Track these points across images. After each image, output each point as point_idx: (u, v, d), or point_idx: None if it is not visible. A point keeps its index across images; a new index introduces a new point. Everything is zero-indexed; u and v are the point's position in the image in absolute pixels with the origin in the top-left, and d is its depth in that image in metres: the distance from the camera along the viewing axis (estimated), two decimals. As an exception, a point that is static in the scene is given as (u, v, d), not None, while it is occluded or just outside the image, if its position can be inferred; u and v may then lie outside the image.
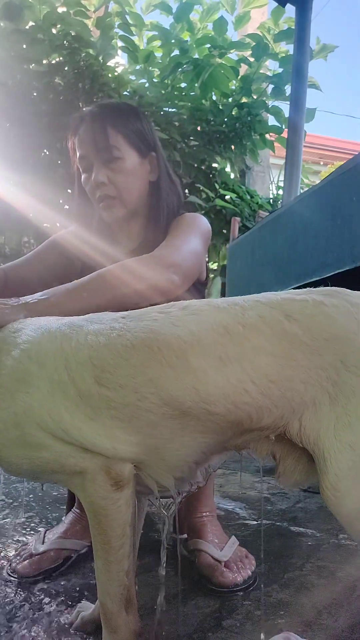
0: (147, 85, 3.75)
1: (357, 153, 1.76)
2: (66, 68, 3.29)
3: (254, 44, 3.85)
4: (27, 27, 3.25)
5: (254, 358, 0.69)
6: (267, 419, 0.70)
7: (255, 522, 1.52)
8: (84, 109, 1.25)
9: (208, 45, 3.86)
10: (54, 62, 3.33)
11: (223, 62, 3.81)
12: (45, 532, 1.23)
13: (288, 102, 3.48)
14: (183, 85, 3.88)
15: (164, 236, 1.20)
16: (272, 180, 5.82)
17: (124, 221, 1.24)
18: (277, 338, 0.69)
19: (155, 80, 3.80)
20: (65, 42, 3.25)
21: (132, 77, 3.81)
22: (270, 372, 0.68)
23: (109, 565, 0.73)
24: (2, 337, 0.79)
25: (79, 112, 1.25)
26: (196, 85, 3.72)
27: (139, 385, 0.69)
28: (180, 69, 3.70)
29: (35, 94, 3.25)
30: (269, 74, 4.00)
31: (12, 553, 1.24)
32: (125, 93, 3.49)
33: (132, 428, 0.70)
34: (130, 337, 0.72)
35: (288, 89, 3.77)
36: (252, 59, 3.90)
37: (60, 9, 3.39)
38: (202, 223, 1.23)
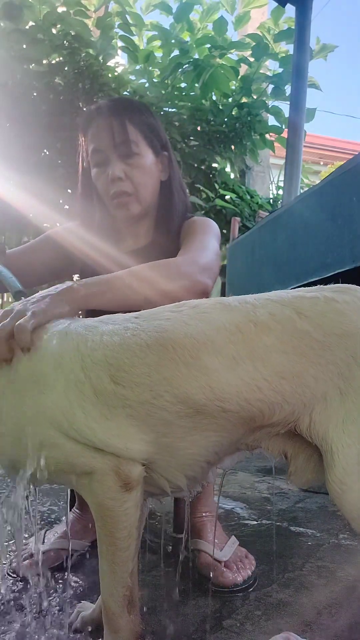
0: (147, 85, 3.75)
1: (357, 153, 1.76)
2: (66, 68, 3.29)
3: (254, 44, 3.85)
4: (27, 27, 3.25)
5: (266, 356, 0.70)
6: (279, 414, 0.70)
7: (255, 522, 1.52)
8: (97, 102, 1.25)
9: (208, 46, 3.86)
10: (54, 62, 3.33)
11: (223, 62, 3.81)
12: (45, 532, 1.23)
13: (288, 102, 3.48)
14: (183, 85, 3.88)
15: (174, 238, 1.20)
16: (272, 180, 5.82)
17: (133, 220, 1.22)
18: (288, 335, 0.70)
19: (155, 80, 3.80)
20: (65, 42, 3.25)
21: (132, 77, 3.81)
22: (281, 369, 0.69)
23: (114, 567, 0.73)
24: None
25: (91, 105, 1.25)
26: (196, 85, 3.72)
27: (154, 384, 0.70)
28: (180, 69, 3.70)
29: (35, 94, 3.25)
30: (269, 74, 4.00)
31: (12, 553, 1.24)
32: (125, 93, 3.49)
33: (146, 426, 0.71)
34: (144, 336, 0.73)
35: (288, 89, 3.77)
36: (252, 59, 3.90)
37: (60, 9, 3.39)
38: (215, 226, 1.24)
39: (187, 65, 3.67)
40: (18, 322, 0.77)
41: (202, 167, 3.94)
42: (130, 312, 0.81)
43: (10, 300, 3.84)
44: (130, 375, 0.71)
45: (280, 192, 4.78)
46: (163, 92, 3.70)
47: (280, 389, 0.69)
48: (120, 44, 3.67)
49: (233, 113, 3.86)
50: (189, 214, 1.28)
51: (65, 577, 1.13)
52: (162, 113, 3.65)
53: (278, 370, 0.69)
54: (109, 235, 1.23)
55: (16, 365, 0.76)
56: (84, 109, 1.25)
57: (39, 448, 0.72)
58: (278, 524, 1.50)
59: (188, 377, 0.70)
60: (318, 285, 0.79)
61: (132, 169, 1.17)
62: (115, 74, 3.53)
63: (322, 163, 10.34)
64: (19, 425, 0.73)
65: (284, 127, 3.85)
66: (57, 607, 1.00)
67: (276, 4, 3.70)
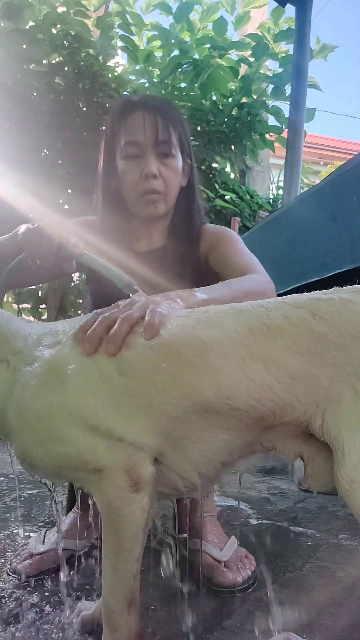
0: (147, 85, 3.75)
1: (357, 153, 1.76)
2: (66, 68, 3.28)
3: (254, 44, 3.85)
4: (27, 27, 3.25)
5: (279, 357, 0.71)
6: (291, 414, 0.71)
7: (255, 522, 1.52)
8: (132, 96, 1.24)
9: (208, 46, 3.86)
10: (54, 62, 3.33)
11: (223, 62, 3.81)
12: (45, 532, 1.24)
13: (288, 102, 3.48)
14: (183, 85, 3.88)
15: (191, 243, 1.20)
16: (272, 180, 5.83)
17: (154, 219, 1.22)
18: (302, 337, 0.71)
19: (155, 80, 3.80)
20: (65, 42, 3.25)
21: (132, 77, 3.81)
22: (295, 370, 0.70)
23: (117, 566, 0.74)
24: (44, 331, 0.83)
25: (125, 97, 1.25)
26: (196, 85, 3.71)
27: (158, 379, 0.72)
28: (180, 69, 3.70)
29: (35, 94, 3.24)
30: (269, 74, 4.00)
31: (12, 553, 1.24)
32: (125, 93, 3.49)
33: (156, 419, 0.72)
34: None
35: (288, 89, 3.77)
36: (252, 59, 3.89)
37: (60, 9, 3.39)
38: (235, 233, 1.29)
39: (186, 65, 3.67)
40: (148, 319, 0.77)
41: (202, 167, 3.94)
42: None
43: (10, 299, 3.83)
44: (134, 369, 0.73)
45: (280, 192, 4.78)
46: (163, 92, 3.70)
47: (292, 389, 0.70)
48: (120, 44, 3.67)
49: (233, 113, 3.86)
50: (204, 220, 1.30)
51: (65, 577, 1.13)
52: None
53: (291, 372, 0.70)
54: (123, 233, 1.22)
55: (39, 358, 0.78)
56: (122, 98, 1.23)
57: (54, 442, 0.73)
58: (278, 524, 1.50)
59: (193, 375, 0.71)
60: (334, 287, 0.79)
61: (167, 169, 1.18)
62: (115, 74, 3.53)
63: (322, 163, 10.34)
64: (38, 419, 0.74)
65: (284, 127, 3.85)
66: (57, 608, 1.00)
67: (276, 4, 3.70)
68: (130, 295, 0.92)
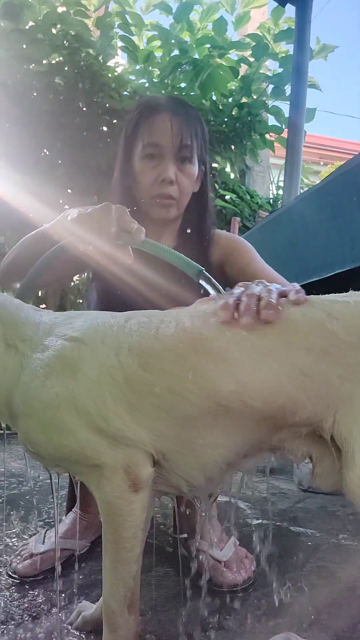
0: (147, 85, 3.75)
1: (357, 153, 1.76)
2: (66, 68, 3.28)
3: (254, 44, 3.84)
4: (27, 27, 3.25)
5: (291, 353, 0.71)
6: (301, 413, 0.71)
7: (255, 522, 1.52)
8: (159, 96, 1.24)
9: (208, 46, 3.85)
10: (54, 62, 3.33)
11: (223, 62, 3.81)
12: (45, 532, 1.24)
13: (288, 102, 3.48)
14: (183, 85, 3.88)
15: (202, 248, 1.20)
16: (272, 180, 5.83)
17: (163, 223, 1.22)
18: (315, 335, 0.71)
19: (155, 80, 3.79)
20: (65, 42, 3.25)
21: (132, 77, 3.80)
22: (305, 367, 0.70)
23: (117, 566, 0.74)
24: (56, 321, 0.83)
25: (151, 97, 1.25)
26: (196, 85, 3.71)
27: (181, 374, 0.72)
28: (180, 69, 3.69)
29: (35, 94, 3.24)
30: (269, 74, 3.99)
31: (12, 553, 1.24)
32: (125, 93, 3.48)
33: (171, 419, 0.72)
34: (177, 328, 0.75)
35: (288, 89, 3.76)
36: (252, 59, 3.89)
37: (60, 9, 3.38)
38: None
39: (186, 65, 3.67)
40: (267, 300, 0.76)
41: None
42: None
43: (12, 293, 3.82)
44: (159, 363, 0.73)
45: (280, 192, 4.78)
46: (163, 92, 3.69)
47: (304, 386, 0.70)
48: (120, 44, 3.66)
49: (233, 113, 3.86)
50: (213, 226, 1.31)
51: (65, 577, 1.13)
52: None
53: (303, 369, 0.70)
54: None
55: (50, 348, 0.77)
56: (147, 97, 1.22)
57: (57, 433, 0.73)
58: (278, 524, 1.50)
59: (214, 369, 0.71)
60: (350, 291, 0.80)
61: (184, 176, 1.18)
62: (115, 74, 3.53)
63: (322, 163, 10.33)
64: (44, 408, 0.74)
65: (284, 127, 3.84)
66: (57, 608, 1.00)
67: (276, 4, 3.70)
68: (201, 282, 0.91)
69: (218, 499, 1.41)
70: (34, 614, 0.97)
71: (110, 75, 3.45)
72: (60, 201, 3.14)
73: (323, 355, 0.70)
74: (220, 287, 0.94)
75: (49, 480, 1.91)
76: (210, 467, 0.75)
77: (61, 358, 0.76)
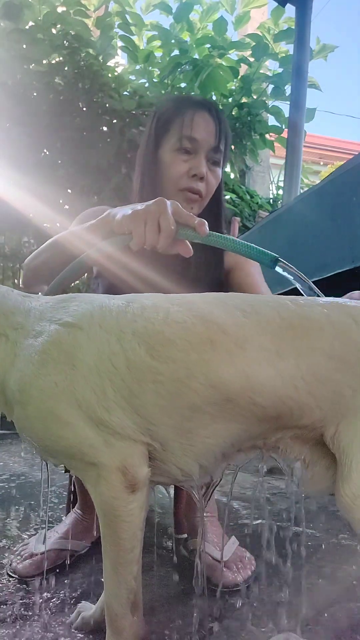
0: (147, 85, 3.75)
1: (357, 153, 1.76)
2: (66, 68, 3.28)
3: (254, 44, 3.84)
4: (27, 27, 3.25)
5: (311, 356, 0.68)
6: (308, 418, 0.69)
7: (255, 522, 1.52)
8: (197, 96, 1.24)
9: (208, 45, 3.86)
10: (54, 62, 3.33)
11: (223, 62, 3.81)
12: (45, 532, 1.23)
13: (288, 102, 3.48)
14: (183, 85, 3.88)
15: (212, 251, 1.18)
16: (272, 180, 5.82)
17: None
18: (338, 341, 0.69)
19: (155, 80, 3.79)
20: (65, 42, 3.25)
21: (132, 77, 3.80)
22: (322, 373, 0.68)
23: (118, 568, 0.73)
24: (47, 306, 0.79)
25: (188, 95, 1.26)
26: (196, 85, 3.71)
27: (191, 363, 0.69)
28: (180, 69, 3.69)
29: (35, 94, 3.24)
30: (269, 74, 3.99)
31: (12, 553, 1.24)
32: (125, 93, 3.48)
33: (173, 408, 0.69)
34: (191, 315, 0.72)
35: (288, 89, 3.76)
36: (252, 59, 3.89)
37: (60, 9, 3.38)
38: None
39: (186, 65, 3.67)
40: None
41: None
42: None
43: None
44: (168, 350, 0.70)
45: (280, 192, 4.78)
46: (163, 92, 3.69)
47: (316, 392, 0.68)
48: (120, 44, 3.66)
49: (233, 113, 3.86)
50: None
51: (65, 577, 1.13)
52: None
53: (319, 375, 0.68)
54: None
55: (44, 333, 0.74)
56: (186, 96, 1.23)
57: (55, 423, 0.71)
58: (278, 524, 1.50)
59: (227, 363, 0.69)
60: None
61: (212, 176, 1.20)
62: (115, 74, 3.53)
63: (322, 163, 10.33)
64: (41, 396, 0.71)
65: (284, 127, 3.84)
66: (57, 608, 1.00)
67: (276, 4, 3.70)
68: (278, 269, 0.88)
69: (217, 499, 1.41)
70: (34, 614, 0.97)
71: (110, 75, 3.45)
72: (60, 201, 3.14)
73: (342, 364, 0.68)
74: (301, 274, 0.89)
75: (49, 480, 1.91)
76: (206, 457, 0.73)
77: (56, 344, 0.73)
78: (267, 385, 0.68)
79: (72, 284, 4.00)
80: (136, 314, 0.73)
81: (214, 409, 0.70)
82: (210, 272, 1.21)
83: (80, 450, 0.71)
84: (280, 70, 3.95)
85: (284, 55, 4.01)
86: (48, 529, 1.27)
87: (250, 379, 0.68)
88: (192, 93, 3.82)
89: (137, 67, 3.77)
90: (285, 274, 0.89)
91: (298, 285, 0.89)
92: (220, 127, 1.18)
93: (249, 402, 0.69)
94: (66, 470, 1.32)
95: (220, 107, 3.82)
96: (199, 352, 0.69)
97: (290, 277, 0.89)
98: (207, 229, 0.90)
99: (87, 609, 0.93)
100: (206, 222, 0.90)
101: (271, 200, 4.85)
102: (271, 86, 3.96)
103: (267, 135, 3.99)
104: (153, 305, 0.75)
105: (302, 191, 2.99)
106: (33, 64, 3.23)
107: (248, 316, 0.72)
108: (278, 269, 0.88)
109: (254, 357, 0.69)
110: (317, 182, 2.09)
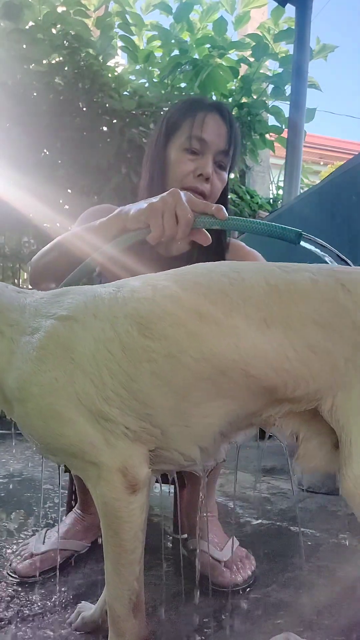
0: (147, 85, 3.75)
1: (357, 153, 1.76)
2: (66, 68, 3.28)
3: (254, 44, 3.84)
4: (27, 27, 3.25)
5: (299, 324, 0.66)
6: (302, 390, 0.67)
7: (255, 522, 1.52)
8: (208, 98, 1.24)
9: (208, 45, 3.86)
10: (54, 62, 3.33)
11: (223, 62, 3.81)
12: (45, 532, 1.23)
13: (288, 102, 3.48)
14: (183, 85, 3.88)
15: (215, 253, 1.20)
16: (272, 180, 5.82)
17: None
18: (326, 308, 0.66)
19: (155, 80, 3.79)
20: (65, 42, 3.25)
21: (132, 77, 3.80)
22: (313, 342, 0.66)
23: (120, 569, 0.73)
24: (42, 301, 0.79)
25: (203, 96, 1.26)
26: (195, 85, 3.71)
27: (182, 337, 0.68)
28: (180, 69, 3.69)
29: (35, 94, 3.24)
30: (269, 74, 3.99)
31: (12, 553, 1.24)
32: (125, 93, 3.48)
33: (169, 388, 0.68)
34: (177, 289, 0.71)
35: (288, 89, 3.76)
36: (252, 59, 3.89)
37: (60, 9, 3.38)
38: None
39: (186, 65, 3.67)
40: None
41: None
42: None
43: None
44: (159, 327, 0.69)
45: (280, 192, 4.78)
46: (163, 92, 3.69)
47: (308, 362, 0.66)
48: (120, 44, 3.66)
49: (233, 113, 3.86)
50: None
51: (65, 577, 1.13)
52: (162, 113, 3.64)
53: (310, 343, 0.65)
54: None
55: (41, 329, 0.74)
56: (198, 97, 1.23)
57: (55, 420, 0.70)
58: (278, 524, 1.50)
59: (217, 334, 0.67)
60: None
61: (217, 178, 1.20)
62: (115, 74, 3.52)
63: (322, 163, 10.33)
64: (41, 392, 0.71)
65: (284, 127, 3.84)
66: (57, 608, 1.00)
67: (276, 4, 3.70)
68: (303, 243, 0.87)
69: (217, 499, 1.41)
70: (34, 614, 0.97)
71: (110, 75, 3.45)
72: (60, 201, 3.14)
73: (331, 332, 0.65)
74: (327, 244, 0.88)
75: (48, 480, 1.91)
76: (205, 438, 0.72)
77: (53, 339, 0.72)
78: (258, 355, 0.66)
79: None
80: (126, 297, 0.73)
81: (208, 385, 0.68)
82: None
83: (80, 449, 0.71)
84: (280, 70, 3.95)
85: (284, 55, 4.01)
86: (49, 529, 1.27)
87: (241, 349, 0.66)
88: (192, 93, 3.83)
89: (137, 67, 3.77)
90: (311, 247, 0.88)
91: (326, 258, 0.88)
92: (231, 132, 1.19)
93: (242, 374, 0.67)
94: (66, 470, 1.32)
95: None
96: (188, 325, 0.68)
97: (317, 250, 0.88)
98: (226, 213, 0.90)
99: (87, 609, 0.93)
100: (223, 207, 0.90)
101: (271, 200, 4.84)
102: (271, 86, 3.96)
103: (267, 135, 3.99)
104: (142, 284, 0.74)
105: (302, 191, 2.99)
106: (33, 64, 3.23)
107: (234, 283, 0.70)
108: (303, 243, 0.87)
109: (242, 326, 0.67)
110: (317, 182, 2.09)
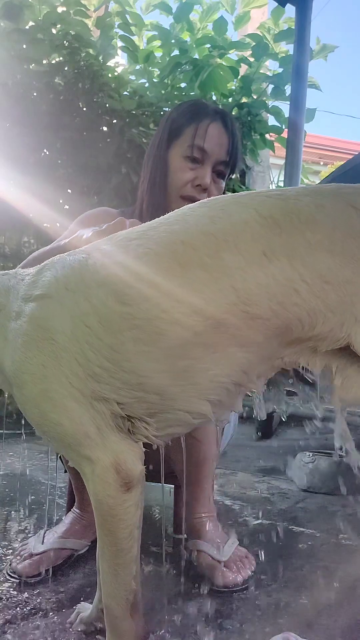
0: (147, 85, 3.75)
1: (357, 153, 1.76)
2: (66, 68, 3.28)
3: (254, 44, 3.84)
4: (27, 27, 3.25)
5: (307, 254, 0.60)
6: (322, 325, 0.61)
7: (255, 522, 1.51)
8: (216, 106, 1.24)
9: (208, 45, 3.86)
10: (54, 62, 3.33)
11: (223, 62, 3.81)
12: (45, 532, 1.23)
13: (288, 102, 3.48)
14: (183, 85, 3.88)
15: None
16: (272, 180, 5.82)
17: None
18: (339, 232, 0.61)
19: (155, 80, 3.79)
20: (65, 42, 3.25)
21: (132, 77, 3.80)
22: (326, 272, 0.60)
23: (116, 569, 0.71)
24: (27, 283, 0.76)
25: (208, 103, 1.26)
26: (196, 85, 3.71)
27: (165, 294, 0.62)
28: (180, 69, 3.69)
29: (35, 94, 3.24)
30: (269, 74, 3.99)
31: (12, 553, 1.24)
32: (125, 93, 3.48)
33: (160, 351, 0.63)
34: (152, 245, 0.66)
35: (288, 89, 3.76)
36: (252, 59, 3.89)
37: (60, 9, 3.38)
38: None
39: (186, 65, 3.67)
40: None
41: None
42: None
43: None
44: (137, 290, 0.63)
45: (280, 192, 4.77)
46: (163, 92, 3.69)
47: (322, 294, 0.60)
48: (120, 44, 3.66)
49: (233, 113, 3.86)
50: None
51: (65, 577, 1.13)
52: (162, 113, 3.65)
53: (322, 273, 0.60)
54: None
55: (22, 314, 0.72)
56: (204, 102, 1.24)
57: (50, 407, 0.68)
58: (278, 524, 1.50)
59: (206, 280, 0.61)
60: None
61: (215, 188, 1.22)
62: (115, 74, 3.53)
63: (322, 163, 10.32)
64: (32, 380, 0.69)
65: (284, 127, 3.84)
66: (57, 608, 1.00)
67: (276, 4, 3.69)
68: None
69: (217, 499, 1.40)
70: (33, 615, 0.97)
71: (110, 75, 3.46)
72: (60, 201, 3.14)
73: (349, 260, 0.59)
74: None
75: (49, 481, 1.91)
76: (215, 391, 0.67)
77: (32, 322, 0.69)
78: (260, 292, 0.60)
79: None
80: (97, 263, 0.68)
81: (206, 338, 0.63)
82: None
83: (76, 440, 0.69)
84: (280, 70, 3.95)
85: (284, 55, 4.01)
86: (48, 529, 1.27)
87: (238, 290, 0.61)
88: (192, 93, 3.83)
89: (137, 67, 3.77)
90: None
91: None
92: (233, 142, 1.20)
93: (245, 317, 0.61)
94: (66, 471, 1.32)
95: (220, 107, 3.84)
96: (169, 280, 0.62)
97: None
98: None
99: (86, 609, 0.93)
100: None
101: (271, 200, 4.83)
102: (271, 86, 3.96)
103: (267, 135, 3.99)
104: (112, 248, 0.69)
105: (302, 191, 2.98)
106: (33, 64, 3.23)
107: (218, 221, 0.64)
108: None
109: (234, 265, 0.61)
110: (317, 182, 2.08)
